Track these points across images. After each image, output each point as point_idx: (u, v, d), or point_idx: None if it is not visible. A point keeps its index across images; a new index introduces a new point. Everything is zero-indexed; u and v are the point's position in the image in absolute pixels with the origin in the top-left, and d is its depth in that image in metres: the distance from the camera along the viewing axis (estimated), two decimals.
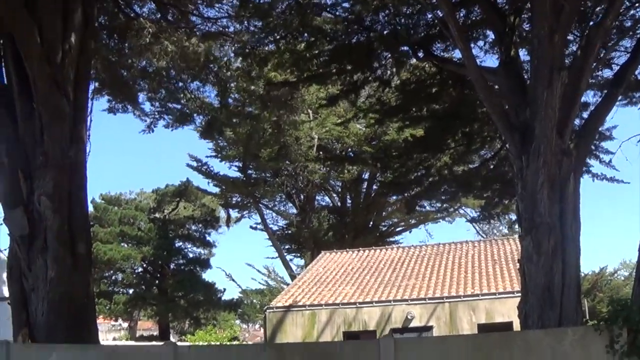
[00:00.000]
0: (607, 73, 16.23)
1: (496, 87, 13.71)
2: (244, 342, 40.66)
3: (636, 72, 14.71)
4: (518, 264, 12.90)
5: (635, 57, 13.49)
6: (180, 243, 53.56)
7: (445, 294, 24.63)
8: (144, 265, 51.99)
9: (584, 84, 12.49)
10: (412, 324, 24.04)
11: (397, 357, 9.06)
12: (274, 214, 47.38)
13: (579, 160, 12.43)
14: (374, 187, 43.32)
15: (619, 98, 15.48)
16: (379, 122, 21.68)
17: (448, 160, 21.22)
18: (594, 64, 13.44)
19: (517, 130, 12.08)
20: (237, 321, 64.83)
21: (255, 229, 48.26)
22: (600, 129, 17.36)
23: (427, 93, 17.91)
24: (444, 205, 37.18)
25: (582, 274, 34.83)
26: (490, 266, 27.34)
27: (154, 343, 29.18)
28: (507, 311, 21.41)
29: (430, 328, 23.95)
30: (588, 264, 57.10)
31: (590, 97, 17.09)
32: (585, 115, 15.73)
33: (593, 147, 18.66)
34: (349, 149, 38.62)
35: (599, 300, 40.21)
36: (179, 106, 23.52)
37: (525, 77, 13.56)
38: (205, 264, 53.52)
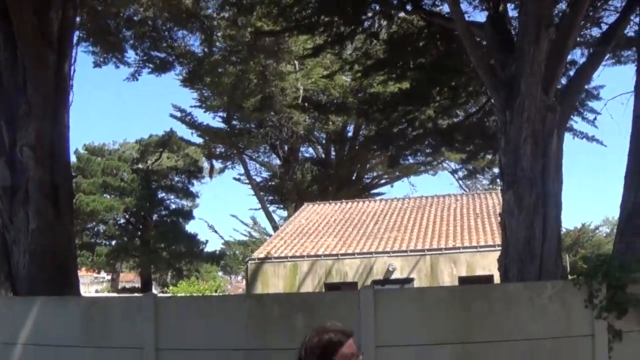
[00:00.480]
0: (596, 32, 16.20)
1: (484, 42, 13.64)
2: (226, 293, 40.86)
3: (625, 31, 14.64)
4: (499, 218, 13.00)
5: (624, 17, 13.46)
6: (163, 194, 53.52)
7: (426, 247, 24.91)
8: (127, 216, 51.97)
9: (572, 42, 12.44)
10: (394, 276, 24.32)
11: (377, 307, 9.12)
12: (257, 165, 47.42)
13: (563, 117, 12.42)
14: (359, 139, 43.29)
15: (608, 57, 15.45)
16: (365, 75, 21.57)
17: (432, 113, 21.21)
18: (583, 22, 13.38)
19: (502, 85, 12.04)
20: (220, 273, 65.18)
21: (238, 180, 48.40)
22: (586, 87, 17.40)
23: (414, 47, 17.79)
24: (428, 158, 37.33)
25: (564, 230, 35.26)
26: (472, 219, 27.60)
27: (135, 295, 29.30)
28: (488, 264, 21.68)
29: (411, 280, 24.24)
30: (571, 221, 57.95)
31: (578, 55, 17.09)
32: (572, 73, 15.70)
33: (578, 105, 18.71)
34: (335, 101, 38.49)
35: (580, 256, 40.74)
36: (163, 55, 23.35)
37: (513, 33, 13.50)
38: (187, 215, 53.60)
